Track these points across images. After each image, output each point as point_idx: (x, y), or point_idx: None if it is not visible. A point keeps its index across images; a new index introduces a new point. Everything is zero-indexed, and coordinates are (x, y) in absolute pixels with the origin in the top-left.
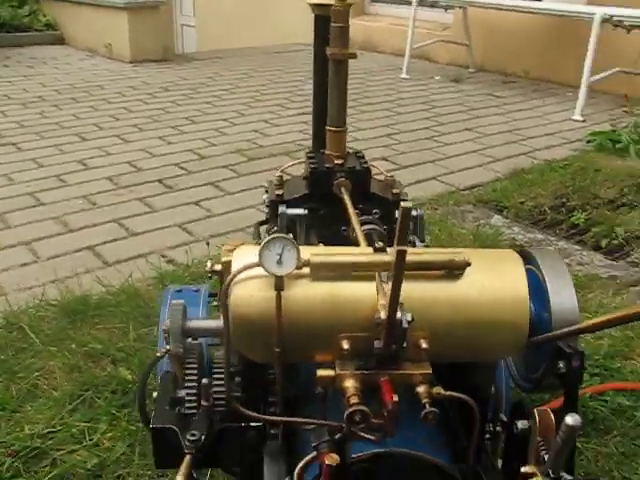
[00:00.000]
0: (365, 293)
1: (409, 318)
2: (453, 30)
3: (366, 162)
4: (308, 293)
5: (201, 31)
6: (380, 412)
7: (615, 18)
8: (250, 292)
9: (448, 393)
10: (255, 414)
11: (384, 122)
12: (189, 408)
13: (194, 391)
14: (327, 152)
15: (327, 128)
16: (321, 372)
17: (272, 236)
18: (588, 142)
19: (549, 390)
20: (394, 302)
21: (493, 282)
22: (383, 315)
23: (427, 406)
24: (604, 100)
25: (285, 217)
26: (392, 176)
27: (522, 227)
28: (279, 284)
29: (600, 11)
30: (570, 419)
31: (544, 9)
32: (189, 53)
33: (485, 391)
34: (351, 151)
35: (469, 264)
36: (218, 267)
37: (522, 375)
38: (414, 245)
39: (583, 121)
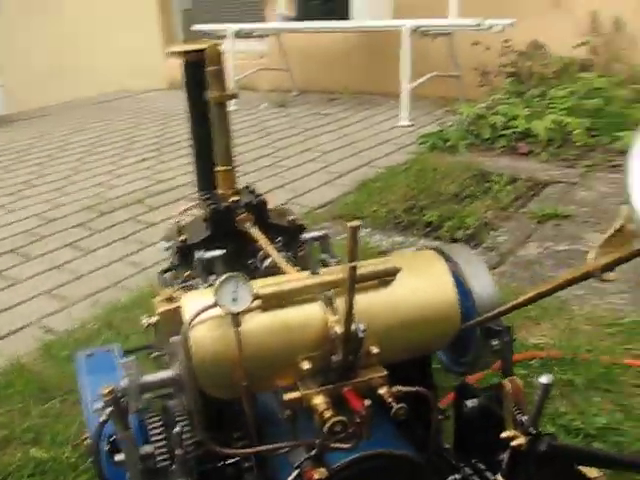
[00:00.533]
0: (313, 313)
1: (363, 328)
2: (270, 57)
3: (259, 195)
4: (262, 324)
5: (10, 90)
6: (352, 420)
7: (422, 28)
8: (208, 333)
9: (406, 389)
10: (234, 450)
11: None
12: (162, 461)
13: (163, 443)
14: (220, 191)
15: (217, 168)
16: (288, 395)
17: (225, 276)
18: (421, 144)
19: (483, 367)
20: (349, 316)
21: (423, 282)
22: (339, 330)
23: (394, 404)
24: (426, 104)
25: (203, 261)
26: (283, 204)
27: (382, 233)
28: (236, 321)
29: (408, 23)
30: (545, 379)
31: (355, 27)
32: (9, 115)
33: (430, 380)
34: (241, 186)
35: (399, 270)
36: (154, 319)
37: (453, 360)
38: (327, 264)
39: (411, 125)
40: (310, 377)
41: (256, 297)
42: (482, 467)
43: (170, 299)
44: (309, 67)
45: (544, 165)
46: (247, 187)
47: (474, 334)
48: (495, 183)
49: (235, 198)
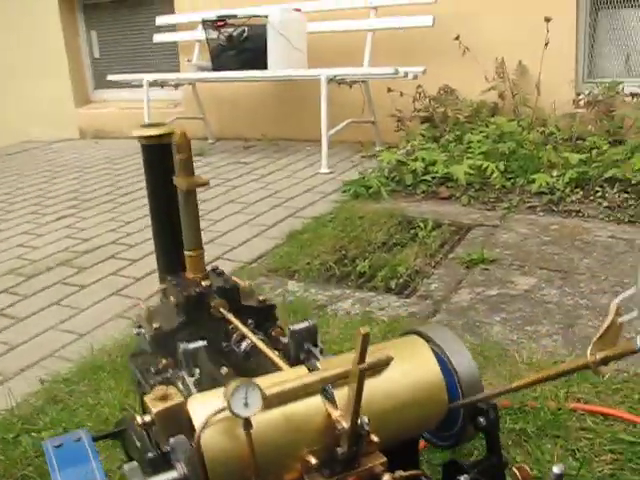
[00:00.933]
0: (315, 408)
1: (367, 421)
2: (185, 106)
3: (229, 278)
4: (268, 423)
5: None
6: None
7: (338, 77)
8: (218, 436)
9: (407, 473)
10: None
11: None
12: None
13: None
14: (190, 275)
15: (187, 253)
16: None
17: (237, 384)
18: (344, 192)
19: (468, 441)
20: (356, 411)
21: (411, 366)
22: (345, 424)
23: None
24: (342, 149)
25: (188, 353)
26: (250, 284)
27: (318, 287)
28: (247, 425)
29: (324, 72)
30: (557, 469)
31: (272, 77)
32: None
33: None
34: (209, 268)
35: (392, 358)
36: (149, 418)
37: (438, 436)
38: (311, 353)
39: (331, 172)
40: (316, 470)
41: (264, 399)
42: None
43: (164, 397)
44: (225, 115)
45: (466, 209)
46: (214, 269)
47: (458, 411)
48: (420, 229)
49: (206, 283)
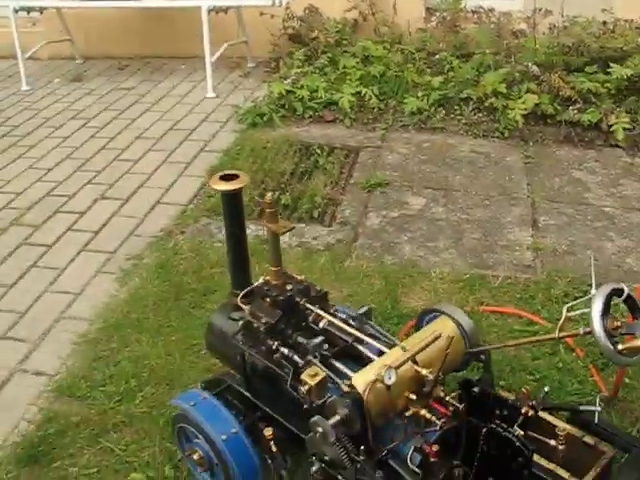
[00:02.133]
0: (410, 370)
1: (440, 375)
2: (46, 24)
3: (302, 280)
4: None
5: None
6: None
7: (217, 6)
8: (373, 396)
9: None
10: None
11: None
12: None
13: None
14: (272, 282)
15: (271, 268)
16: (409, 412)
17: (385, 367)
18: (240, 121)
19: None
20: (438, 371)
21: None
22: (431, 376)
23: (457, 404)
24: (219, 68)
25: (314, 346)
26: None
27: (254, 223)
28: (389, 387)
29: (205, 3)
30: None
31: (151, 6)
32: None
33: None
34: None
35: (441, 334)
36: (306, 387)
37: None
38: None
39: (217, 97)
40: (414, 401)
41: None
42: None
43: (315, 374)
44: (92, 34)
45: (349, 130)
46: (285, 273)
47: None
48: (319, 155)
49: (290, 287)
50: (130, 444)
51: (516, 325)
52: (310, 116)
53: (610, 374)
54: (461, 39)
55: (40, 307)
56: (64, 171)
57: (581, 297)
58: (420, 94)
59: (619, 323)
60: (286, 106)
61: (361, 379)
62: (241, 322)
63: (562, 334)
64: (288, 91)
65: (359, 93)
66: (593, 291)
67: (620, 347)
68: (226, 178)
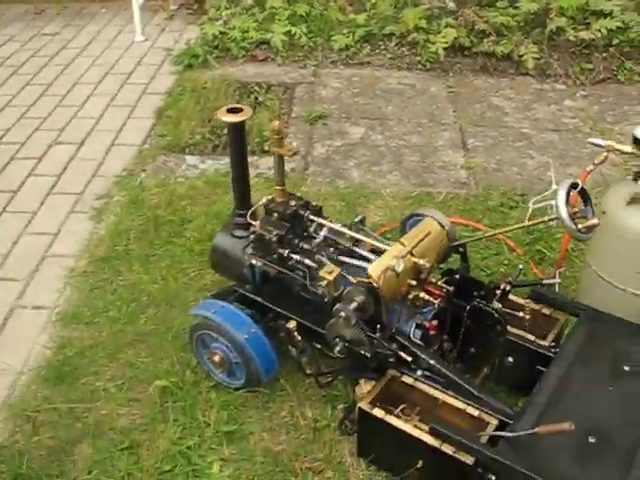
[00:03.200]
0: (413, 261)
1: (429, 262)
2: None
3: (302, 198)
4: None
5: None
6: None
7: None
8: (385, 279)
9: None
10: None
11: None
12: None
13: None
14: (277, 200)
15: (276, 187)
16: (413, 295)
17: (397, 257)
18: (176, 63)
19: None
20: (433, 262)
21: (433, 232)
22: (427, 265)
23: (447, 288)
24: (145, 15)
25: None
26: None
27: (211, 158)
28: (398, 274)
29: None
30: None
31: None
32: None
33: None
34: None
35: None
36: (325, 282)
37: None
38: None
39: (146, 40)
40: (414, 286)
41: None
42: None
43: (332, 271)
44: None
45: (282, 68)
46: (290, 194)
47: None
48: (258, 93)
49: (293, 203)
50: (147, 357)
51: (465, 232)
52: (243, 56)
53: (546, 267)
54: None
55: (22, 249)
56: (7, 119)
57: (515, 206)
58: (346, 31)
59: (576, 209)
60: (219, 47)
61: (376, 268)
62: (252, 236)
63: (531, 222)
64: (221, 32)
65: (289, 32)
66: (554, 186)
67: (580, 226)
68: (231, 111)
